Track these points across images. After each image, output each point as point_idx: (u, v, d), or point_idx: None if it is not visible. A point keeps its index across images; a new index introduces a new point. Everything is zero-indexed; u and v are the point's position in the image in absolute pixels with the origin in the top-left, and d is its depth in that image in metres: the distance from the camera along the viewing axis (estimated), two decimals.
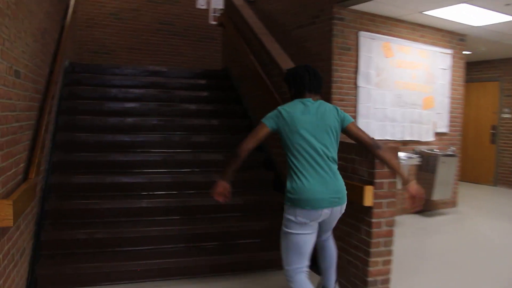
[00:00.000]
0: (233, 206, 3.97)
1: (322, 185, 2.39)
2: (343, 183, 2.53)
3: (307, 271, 2.52)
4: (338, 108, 2.60)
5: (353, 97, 5.40)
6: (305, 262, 2.49)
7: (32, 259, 2.99)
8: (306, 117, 2.47)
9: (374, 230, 2.86)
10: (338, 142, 2.58)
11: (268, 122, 2.51)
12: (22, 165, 2.62)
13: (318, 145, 2.42)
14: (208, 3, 9.19)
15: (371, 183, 2.83)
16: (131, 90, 5.46)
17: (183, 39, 9.17)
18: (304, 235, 2.44)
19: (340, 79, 5.25)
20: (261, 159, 4.69)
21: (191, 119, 5.11)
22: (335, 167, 2.50)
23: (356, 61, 5.38)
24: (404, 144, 5.92)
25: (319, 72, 2.67)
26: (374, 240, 2.87)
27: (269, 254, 3.60)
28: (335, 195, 2.44)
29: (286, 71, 2.84)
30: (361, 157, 2.94)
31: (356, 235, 3.01)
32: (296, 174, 2.42)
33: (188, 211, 3.90)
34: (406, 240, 4.50)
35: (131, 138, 4.61)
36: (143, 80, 5.82)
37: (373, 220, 2.85)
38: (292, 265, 2.48)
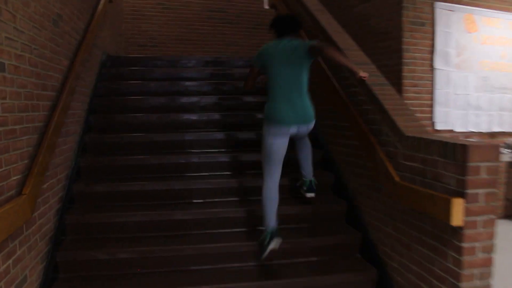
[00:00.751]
0: (288, 216, 3.41)
1: (290, 108, 3.04)
2: (310, 106, 3.15)
3: (278, 180, 3.09)
4: (308, 41, 3.15)
5: (428, 82, 4.62)
6: (277, 171, 3.08)
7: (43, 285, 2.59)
8: (278, 51, 3.12)
9: (466, 258, 2.15)
10: (308, 70, 3.16)
11: (255, 63, 3.33)
12: (14, 178, 2.19)
13: (288, 75, 3.07)
14: None
15: (461, 194, 2.12)
16: (176, 82, 5.02)
17: (236, 27, 8.65)
18: (275, 144, 3.04)
19: (412, 60, 4.50)
20: (318, 156, 4.09)
21: (254, 112, 4.61)
22: (304, 92, 3.12)
23: (432, 39, 4.59)
24: (492, 136, 5.04)
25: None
26: (465, 272, 2.15)
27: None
28: (301, 117, 3.09)
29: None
30: (446, 158, 2.23)
31: (441, 262, 2.31)
32: (271, 98, 3.11)
33: (240, 223, 3.41)
34: (506, 255, 3.64)
35: (187, 137, 4.21)
36: (183, 72, 5.36)
37: (464, 245, 2.14)
38: (266, 172, 3.09)
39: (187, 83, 5.04)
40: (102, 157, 3.88)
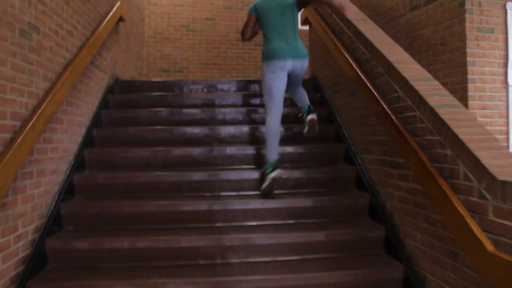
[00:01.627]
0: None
1: (285, 45, 3.46)
2: (303, 45, 3.54)
3: (280, 116, 3.45)
4: None
5: (501, 103, 3.73)
6: (279, 106, 3.45)
7: None
8: (267, 6, 3.53)
9: None
10: (297, 16, 3.58)
11: (251, 13, 3.61)
12: None
13: (283, 21, 3.49)
14: None
15: None
16: (185, 110, 4.32)
17: None
18: (274, 81, 3.41)
19: (479, 76, 3.65)
20: (340, 152, 3.27)
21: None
22: (297, 35, 3.55)
23: (505, 48, 3.72)
24: None
25: None
26: None
27: None
28: (295, 51, 3.45)
29: None
30: None
31: None
32: (268, 40, 3.53)
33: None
34: None
35: (195, 177, 3.44)
36: (195, 97, 4.67)
37: None
38: (269, 109, 3.46)
39: (193, 110, 4.34)
40: (92, 202, 3.16)
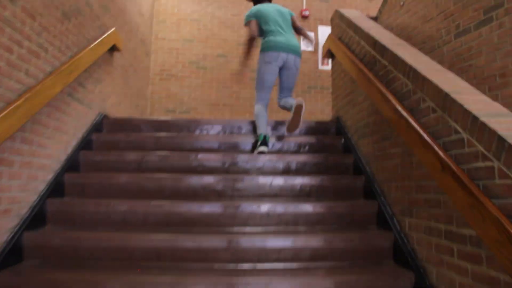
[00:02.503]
0: None
1: (283, 39, 3.89)
2: (299, 44, 4.09)
3: (267, 103, 3.99)
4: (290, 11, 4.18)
5: None
6: (268, 95, 3.98)
7: None
8: (270, 9, 4.03)
9: None
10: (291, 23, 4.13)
11: (250, 18, 4.03)
12: None
13: (280, 20, 3.99)
14: (315, 44, 7.44)
15: None
16: (186, 154, 3.61)
17: None
18: (268, 69, 3.86)
19: None
20: (371, 212, 2.43)
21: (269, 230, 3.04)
22: (292, 33, 4.01)
23: None
24: None
25: None
26: None
27: None
28: (290, 46, 3.88)
29: None
30: None
31: None
32: (269, 35, 3.92)
33: None
34: None
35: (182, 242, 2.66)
36: (201, 140, 3.96)
37: None
38: (259, 97, 3.98)
39: (201, 155, 3.61)
40: (43, 275, 2.40)
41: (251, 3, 6.49)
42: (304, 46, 7.44)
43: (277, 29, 3.91)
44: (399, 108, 2.53)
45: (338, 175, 3.53)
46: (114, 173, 3.45)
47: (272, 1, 4.46)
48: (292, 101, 3.85)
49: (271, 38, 3.88)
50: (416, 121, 2.35)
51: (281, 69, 3.94)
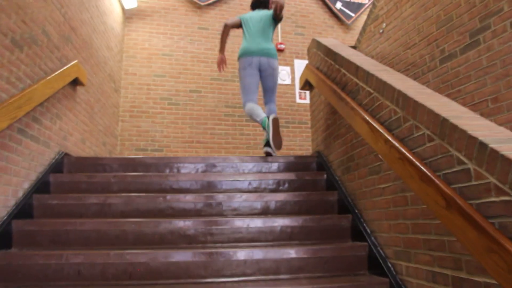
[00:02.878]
0: None
1: (256, 45, 4.28)
2: (273, 48, 4.36)
3: (255, 101, 4.23)
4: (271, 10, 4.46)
5: None
6: (253, 96, 4.23)
7: None
8: (251, 16, 4.45)
9: None
10: (273, 28, 4.45)
11: (238, 17, 4.50)
12: None
13: (259, 29, 4.35)
14: (292, 78, 7.28)
15: None
16: (153, 196, 3.27)
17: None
18: (248, 74, 4.22)
19: None
20: (361, 255, 2.11)
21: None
22: (269, 41, 4.36)
23: None
24: None
25: None
26: None
27: None
28: (263, 50, 4.26)
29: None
30: None
31: None
32: (244, 42, 4.35)
33: None
34: None
35: None
36: (178, 180, 3.62)
37: None
38: (244, 99, 4.24)
39: (169, 196, 3.27)
40: None
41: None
42: (280, 80, 7.27)
43: (251, 35, 4.34)
44: (389, 138, 2.26)
45: (322, 214, 3.23)
46: (71, 218, 3.08)
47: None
48: (269, 114, 4.29)
49: (244, 44, 4.36)
50: (410, 151, 2.09)
51: (260, 72, 4.32)
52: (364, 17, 7.88)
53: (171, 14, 7.13)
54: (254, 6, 4.73)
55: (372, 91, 2.64)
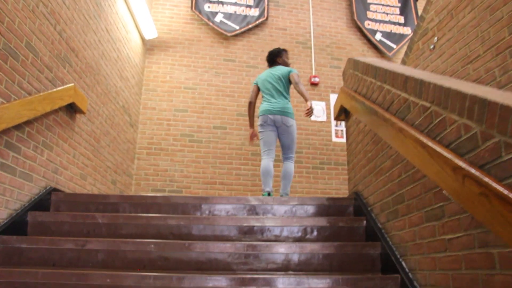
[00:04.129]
0: None
1: (269, 104, 4.51)
2: (286, 105, 4.51)
3: (271, 159, 4.44)
4: (291, 69, 4.62)
5: None
6: (270, 150, 4.46)
7: None
8: (267, 75, 4.68)
9: None
10: (288, 84, 4.62)
11: (254, 83, 4.83)
12: None
13: (270, 86, 4.59)
14: (327, 114, 6.64)
15: None
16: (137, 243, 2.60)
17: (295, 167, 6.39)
18: (265, 132, 4.46)
19: None
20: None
21: None
22: (284, 98, 4.55)
23: None
24: None
25: None
26: None
27: None
28: (274, 109, 4.46)
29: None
30: None
31: None
32: (263, 101, 4.61)
33: None
34: None
35: None
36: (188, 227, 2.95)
37: None
38: (262, 154, 4.48)
39: (153, 246, 2.59)
40: None
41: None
42: (315, 116, 6.62)
43: (267, 95, 4.60)
44: (461, 165, 1.54)
45: (359, 273, 2.47)
46: (39, 267, 2.44)
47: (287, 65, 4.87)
48: (282, 191, 4.42)
49: (263, 104, 4.60)
50: (500, 182, 1.36)
51: (276, 128, 4.50)
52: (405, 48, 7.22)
53: (195, 45, 6.68)
54: (269, 63, 4.92)
55: (428, 104, 1.94)
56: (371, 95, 2.84)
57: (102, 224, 2.91)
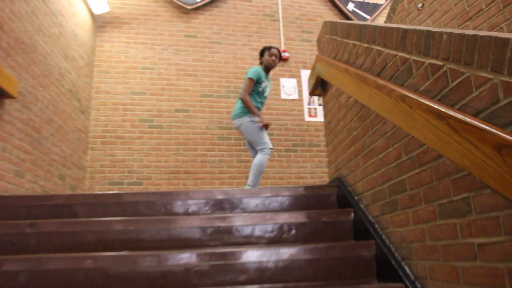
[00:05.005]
0: None
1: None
2: (235, 106, 4.28)
3: (252, 156, 4.27)
4: (248, 72, 4.24)
5: None
6: (250, 148, 4.36)
7: None
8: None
9: None
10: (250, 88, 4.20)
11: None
12: None
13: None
14: (299, 91, 6.16)
15: None
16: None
17: None
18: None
19: None
20: None
21: None
22: (238, 99, 4.27)
23: None
24: None
25: None
26: None
27: None
28: (232, 114, 4.31)
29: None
30: None
31: None
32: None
33: None
34: None
35: None
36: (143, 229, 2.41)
37: None
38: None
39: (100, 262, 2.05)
40: None
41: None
42: (286, 94, 6.12)
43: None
44: (510, 139, 1.06)
45: (351, 282, 1.99)
46: None
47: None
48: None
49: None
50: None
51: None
52: (381, 19, 6.76)
53: (152, 20, 6.04)
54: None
55: (440, 63, 1.45)
56: (355, 60, 2.34)
57: (30, 235, 2.35)
